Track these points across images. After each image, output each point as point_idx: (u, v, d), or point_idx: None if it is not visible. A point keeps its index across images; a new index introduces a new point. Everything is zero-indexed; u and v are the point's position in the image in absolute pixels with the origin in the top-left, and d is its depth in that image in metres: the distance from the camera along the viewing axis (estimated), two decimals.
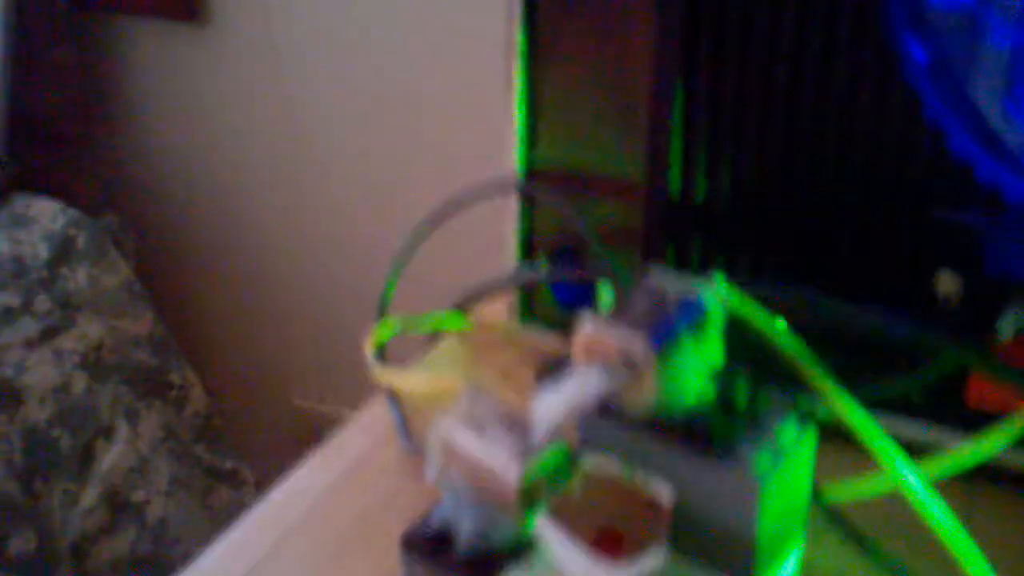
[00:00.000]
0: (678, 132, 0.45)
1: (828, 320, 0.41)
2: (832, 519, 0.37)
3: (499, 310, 0.51)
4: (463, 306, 0.51)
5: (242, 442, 1.33)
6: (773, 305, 0.37)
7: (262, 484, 1.16)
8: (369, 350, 0.43)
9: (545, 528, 0.31)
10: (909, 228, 0.43)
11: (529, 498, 0.31)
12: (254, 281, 1.46)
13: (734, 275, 0.35)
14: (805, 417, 0.34)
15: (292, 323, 1.46)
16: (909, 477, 0.34)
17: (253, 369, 1.52)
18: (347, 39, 1.23)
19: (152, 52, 1.36)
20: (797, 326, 0.36)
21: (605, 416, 0.33)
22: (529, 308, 0.50)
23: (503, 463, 0.31)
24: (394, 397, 0.45)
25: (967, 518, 0.35)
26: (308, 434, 1.25)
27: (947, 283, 0.42)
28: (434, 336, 0.52)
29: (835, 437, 0.37)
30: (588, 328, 0.32)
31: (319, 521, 0.40)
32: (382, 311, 0.49)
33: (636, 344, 0.31)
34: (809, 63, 0.42)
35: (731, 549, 0.32)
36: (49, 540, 1.02)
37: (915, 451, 0.39)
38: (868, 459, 0.35)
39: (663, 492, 0.33)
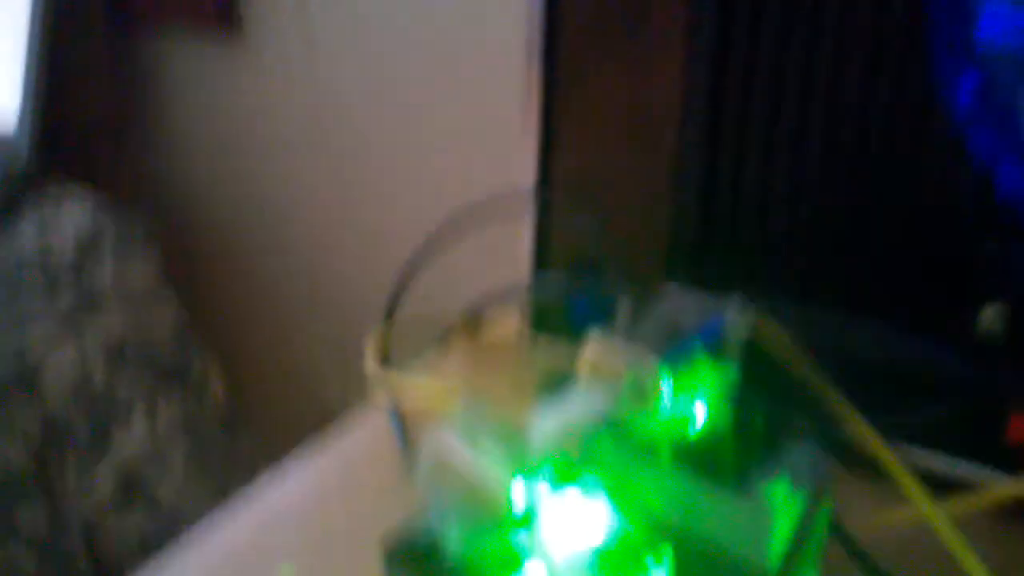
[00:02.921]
0: (704, 148, 0.43)
1: (858, 347, 0.39)
2: (852, 553, 0.35)
3: (511, 320, 0.49)
4: (475, 313, 0.49)
5: (264, 436, 1.33)
6: (799, 329, 0.35)
7: None
8: (371, 353, 0.41)
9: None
10: (955, 258, 0.41)
11: (520, 514, 0.30)
12: (280, 279, 1.46)
13: (758, 297, 0.33)
14: (826, 447, 0.32)
15: (317, 321, 1.46)
16: (934, 512, 0.31)
17: (277, 365, 1.52)
18: (376, 49, 1.23)
19: (187, 61, 1.37)
20: (823, 352, 0.34)
21: (609, 435, 0.31)
22: (542, 320, 0.48)
23: (495, 474, 0.29)
24: (394, 401, 0.44)
25: (1003, 558, 0.33)
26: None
27: (993, 317, 0.40)
28: (444, 341, 0.51)
29: (859, 468, 0.36)
30: (596, 344, 0.30)
31: (307, 519, 0.38)
32: (389, 314, 0.48)
33: (646, 363, 0.29)
34: (849, 85, 0.40)
35: None
36: (61, 517, 1.02)
37: (949, 487, 0.37)
38: (892, 491, 0.33)
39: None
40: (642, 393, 0.30)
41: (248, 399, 1.35)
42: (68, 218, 1.18)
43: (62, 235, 1.16)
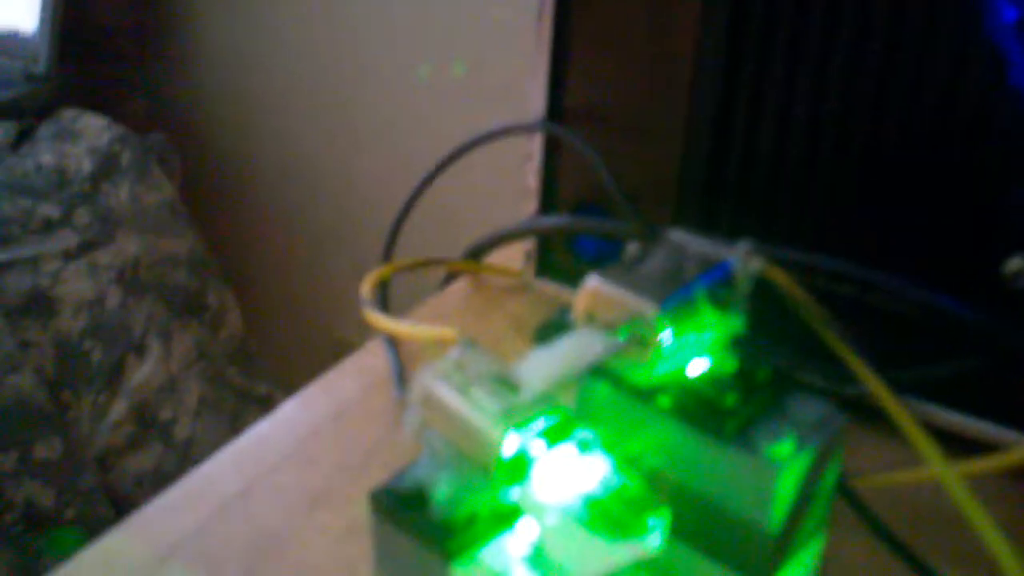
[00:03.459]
0: (722, 82, 0.40)
1: (873, 298, 0.37)
2: (861, 514, 0.33)
3: (515, 259, 0.47)
4: (478, 251, 0.48)
5: (279, 370, 1.33)
6: (810, 276, 0.33)
7: None
8: (366, 291, 0.40)
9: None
10: (979, 204, 0.38)
11: (512, 464, 0.28)
12: (299, 210, 1.45)
13: (769, 243, 0.31)
14: (836, 402, 0.30)
15: (335, 255, 1.45)
16: (948, 472, 0.30)
17: (294, 298, 1.52)
18: None
19: None
20: (835, 302, 0.32)
21: (606, 381, 0.30)
22: (546, 260, 0.47)
23: (486, 424, 0.28)
24: (392, 342, 0.42)
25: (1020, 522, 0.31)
26: None
27: (1018, 267, 0.38)
28: (447, 280, 0.49)
29: (870, 425, 0.34)
30: (594, 283, 0.29)
31: (297, 464, 0.37)
32: (388, 250, 0.46)
33: (645, 304, 0.28)
34: (877, 13, 0.38)
35: (743, 542, 0.29)
36: (75, 449, 1.02)
37: (966, 446, 0.35)
38: (905, 450, 0.31)
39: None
40: (641, 341, 0.28)
41: (262, 335, 1.34)
42: (85, 139, 1.16)
43: (78, 156, 1.14)
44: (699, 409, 0.29)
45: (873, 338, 0.33)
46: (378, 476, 0.31)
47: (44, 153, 1.14)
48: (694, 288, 0.29)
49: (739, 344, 0.30)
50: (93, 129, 1.18)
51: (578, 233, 0.44)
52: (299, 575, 0.33)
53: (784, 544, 0.29)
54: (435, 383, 0.29)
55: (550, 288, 0.47)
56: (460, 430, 0.28)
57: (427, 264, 0.46)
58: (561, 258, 0.46)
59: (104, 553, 0.34)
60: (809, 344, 0.32)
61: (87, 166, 1.14)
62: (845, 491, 0.33)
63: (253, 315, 1.34)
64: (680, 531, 0.30)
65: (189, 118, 1.45)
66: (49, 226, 1.09)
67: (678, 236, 0.31)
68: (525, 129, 0.43)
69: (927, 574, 0.33)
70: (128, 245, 1.14)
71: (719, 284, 0.30)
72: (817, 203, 0.40)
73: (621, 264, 0.30)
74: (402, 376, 0.41)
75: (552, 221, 0.45)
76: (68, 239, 1.09)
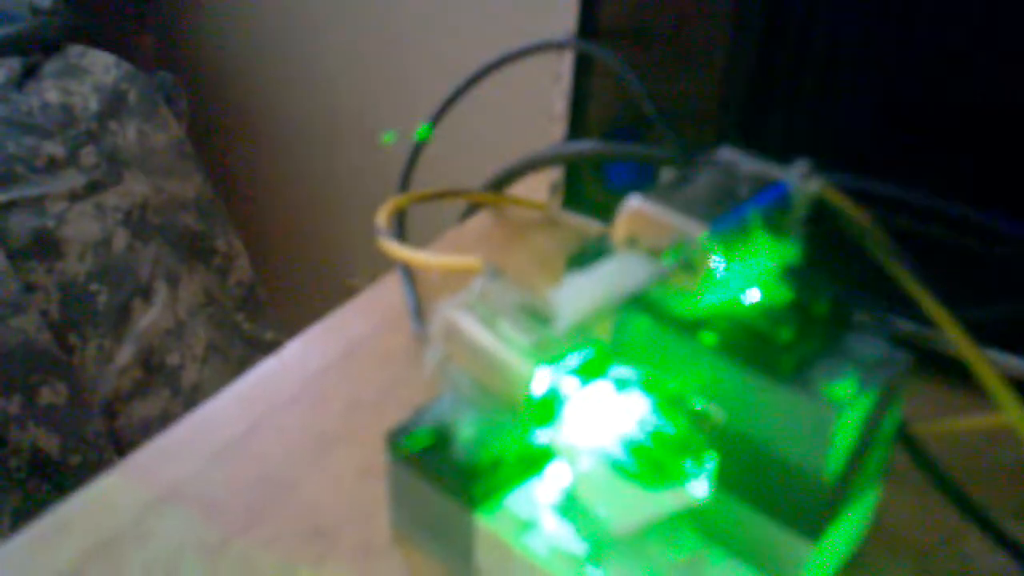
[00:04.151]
0: None
1: (944, 228, 0.34)
2: (921, 463, 0.31)
3: (540, 191, 0.44)
4: (501, 182, 0.45)
5: (288, 317, 1.31)
6: (874, 202, 0.30)
7: None
8: (382, 220, 0.37)
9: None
10: None
11: (543, 403, 0.26)
12: (310, 153, 1.42)
13: (827, 164, 0.28)
14: (899, 338, 0.27)
15: (347, 200, 1.42)
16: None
17: (304, 244, 1.50)
18: None
19: None
20: (902, 231, 0.29)
21: (646, 312, 0.27)
22: (575, 191, 0.44)
23: (514, 359, 0.25)
24: (408, 274, 0.40)
25: None
26: None
27: None
28: (467, 213, 0.47)
29: (933, 365, 0.31)
30: (635, 204, 0.26)
31: (308, 402, 0.35)
32: (405, 179, 0.43)
33: (693, 227, 0.25)
34: None
35: (795, 491, 0.26)
36: (81, 394, 1.01)
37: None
38: (971, 394, 0.28)
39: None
40: (687, 269, 0.25)
41: (272, 281, 1.33)
42: (91, 77, 1.13)
43: (85, 94, 1.11)
44: (750, 344, 0.26)
45: (935, 274, 0.30)
46: (394, 416, 0.29)
47: (49, 90, 1.11)
48: (746, 210, 0.26)
49: (794, 273, 0.27)
50: (100, 66, 1.15)
51: (610, 160, 0.41)
52: (306, 519, 0.31)
53: (840, 494, 0.26)
54: (458, 315, 0.26)
55: (578, 221, 0.44)
56: (485, 366, 0.26)
57: (446, 195, 0.43)
58: (591, 189, 0.43)
59: (101, 494, 0.32)
60: (863, 276, 0.29)
61: (93, 104, 1.11)
62: (905, 437, 0.30)
63: (262, 261, 1.32)
64: (726, 479, 0.27)
65: (197, 57, 1.41)
66: (54, 165, 1.06)
67: (728, 155, 0.28)
68: (555, 47, 0.40)
69: (989, 527, 0.30)
70: (135, 186, 1.11)
71: (773, 207, 0.27)
72: (873, 121, 0.37)
73: (663, 185, 0.27)
74: (420, 310, 0.38)
75: (581, 147, 0.42)
76: (74, 179, 1.07)
